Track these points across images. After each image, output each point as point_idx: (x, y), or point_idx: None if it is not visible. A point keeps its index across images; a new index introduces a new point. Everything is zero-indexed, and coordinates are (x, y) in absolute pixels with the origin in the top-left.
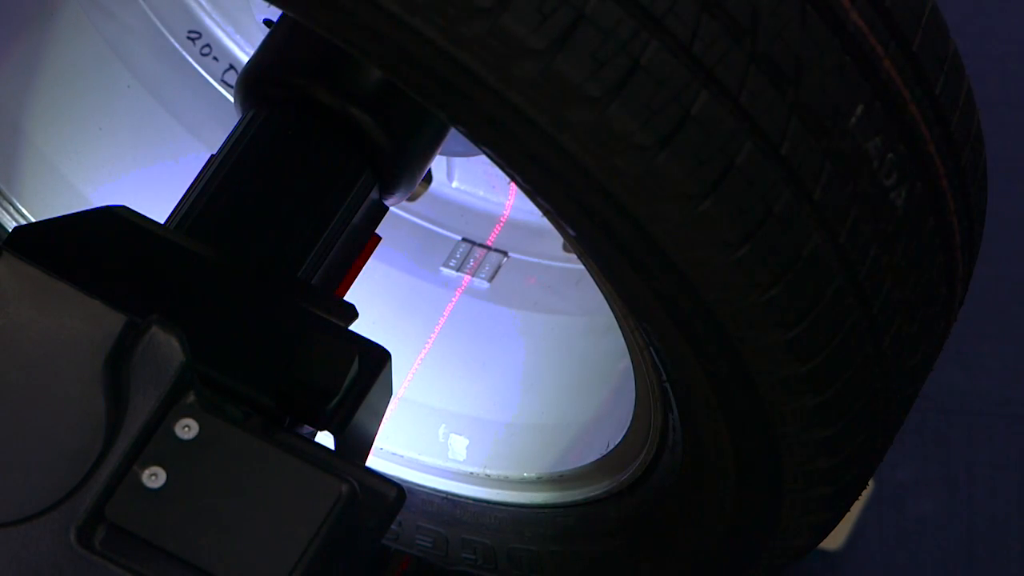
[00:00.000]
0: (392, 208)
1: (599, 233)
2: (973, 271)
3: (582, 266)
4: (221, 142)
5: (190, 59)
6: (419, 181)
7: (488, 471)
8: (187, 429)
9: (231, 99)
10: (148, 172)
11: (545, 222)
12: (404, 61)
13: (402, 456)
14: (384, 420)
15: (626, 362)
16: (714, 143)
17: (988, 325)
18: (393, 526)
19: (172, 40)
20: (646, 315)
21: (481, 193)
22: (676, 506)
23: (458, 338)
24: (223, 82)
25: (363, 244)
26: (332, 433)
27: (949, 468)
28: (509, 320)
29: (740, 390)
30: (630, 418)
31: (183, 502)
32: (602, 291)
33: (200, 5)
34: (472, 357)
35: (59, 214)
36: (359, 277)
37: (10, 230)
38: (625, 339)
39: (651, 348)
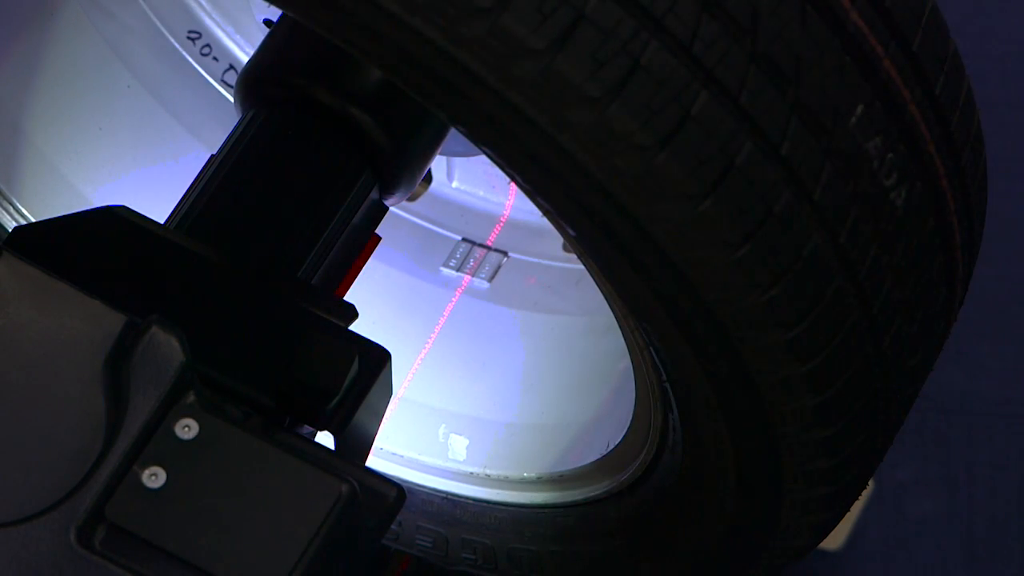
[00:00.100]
0: (392, 208)
1: (599, 233)
2: (973, 271)
3: (582, 266)
4: (221, 142)
5: (190, 59)
6: (419, 181)
7: (488, 471)
8: (187, 429)
9: (231, 99)
10: (148, 172)
11: (545, 222)
12: (404, 61)
13: (402, 456)
14: (384, 420)
15: (626, 362)
16: (714, 143)
17: (988, 325)
18: (393, 526)
19: (172, 40)
20: (646, 315)
21: (481, 193)
22: (676, 506)
23: (458, 338)
24: (223, 82)
25: (363, 244)
26: (332, 433)
27: (949, 468)
28: (509, 320)
29: (740, 390)
30: (630, 418)
31: (183, 502)
32: (602, 291)
33: (200, 5)
34: (472, 357)
35: (59, 214)
36: (359, 277)
37: (10, 230)
38: (625, 339)
39: (651, 348)
